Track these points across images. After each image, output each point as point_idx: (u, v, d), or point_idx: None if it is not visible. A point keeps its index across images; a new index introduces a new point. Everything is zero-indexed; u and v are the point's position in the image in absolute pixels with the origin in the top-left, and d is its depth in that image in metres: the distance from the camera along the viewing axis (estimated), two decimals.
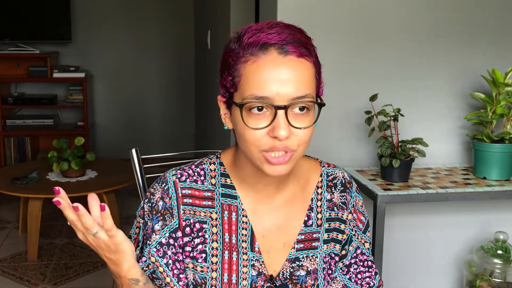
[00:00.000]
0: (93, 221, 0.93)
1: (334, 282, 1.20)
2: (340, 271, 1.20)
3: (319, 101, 1.04)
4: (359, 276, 1.21)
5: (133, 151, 1.66)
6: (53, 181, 3.40)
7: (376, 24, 2.14)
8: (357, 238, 1.21)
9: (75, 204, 0.91)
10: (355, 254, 1.21)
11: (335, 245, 1.18)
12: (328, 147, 2.15)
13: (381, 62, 2.16)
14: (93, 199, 0.93)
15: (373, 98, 1.99)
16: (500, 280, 2.12)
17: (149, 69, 5.22)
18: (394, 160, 1.92)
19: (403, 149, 1.95)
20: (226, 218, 1.12)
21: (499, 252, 2.13)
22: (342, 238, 1.19)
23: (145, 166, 1.69)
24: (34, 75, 4.69)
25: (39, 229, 3.28)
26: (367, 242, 1.22)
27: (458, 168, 2.18)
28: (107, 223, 0.93)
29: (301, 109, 1.00)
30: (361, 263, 1.21)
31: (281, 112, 0.97)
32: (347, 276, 1.20)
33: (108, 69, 5.15)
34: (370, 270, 1.22)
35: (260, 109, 0.98)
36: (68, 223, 0.95)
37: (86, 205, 0.93)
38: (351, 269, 1.21)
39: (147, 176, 1.69)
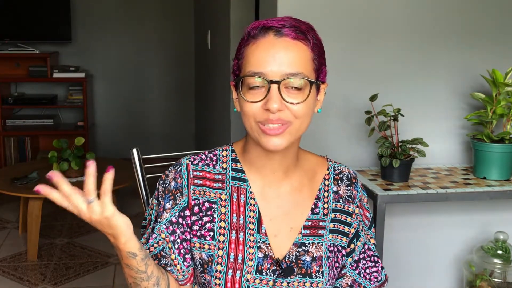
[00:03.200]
0: (93, 187, 0.95)
1: (344, 278, 1.24)
2: (350, 266, 1.24)
3: (316, 81, 1.11)
4: (367, 271, 1.26)
5: (134, 151, 1.65)
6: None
7: (376, 24, 2.14)
8: (364, 234, 1.25)
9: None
10: (363, 250, 1.25)
11: (341, 237, 1.22)
12: (328, 147, 2.15)
13: (381, 62, 2.16)
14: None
15: (373, 98, 1.99)
16: (500, 280, 2.12)
17: (149, 69, 5.22)
18: (394, 160, 1.92)
19: (403, 149, 1.95)
20: (235, 199, 1.17)
21: (499, 252, 2.13)
22: (348, 231, 1.23)
23: (145, 166, 1.69)
24: (34, 75, 4.69)
25: (39, 229, 3.28)
26: (372, 237, 1.27)
27: (458, 168, 2.18)
28: (106, 184, 0.96)
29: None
30: (369, 258, 1.26)
31: (274, 86, 1.06)
32: (357, 271, 1.25)
33: (108, 69, 5.15)
34: (376, 265, 1.27)
35: (256, 86, 1.07)
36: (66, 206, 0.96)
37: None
38: (360, 264, 1.25)
39: (148, 176, 1.69)
